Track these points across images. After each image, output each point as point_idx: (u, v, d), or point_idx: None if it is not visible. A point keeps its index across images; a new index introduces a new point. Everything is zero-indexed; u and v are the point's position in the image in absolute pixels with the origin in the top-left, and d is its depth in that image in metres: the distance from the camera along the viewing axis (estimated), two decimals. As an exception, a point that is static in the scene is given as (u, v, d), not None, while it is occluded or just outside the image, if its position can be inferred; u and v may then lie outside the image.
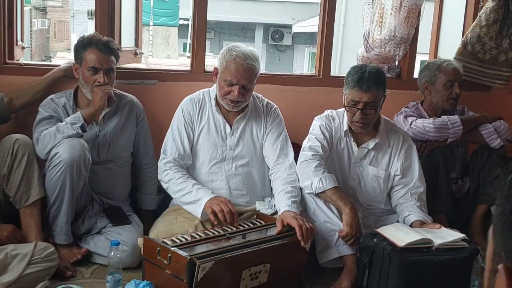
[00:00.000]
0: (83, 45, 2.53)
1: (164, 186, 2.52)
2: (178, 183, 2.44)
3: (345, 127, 2.59)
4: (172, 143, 2.54)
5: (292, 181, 2.45)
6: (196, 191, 2.39)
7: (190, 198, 2.39)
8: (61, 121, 2.51)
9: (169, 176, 2.47)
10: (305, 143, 2.58)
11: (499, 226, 0.70)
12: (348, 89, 2.48)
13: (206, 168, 2.54)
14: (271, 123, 2.60)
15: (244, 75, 2.39)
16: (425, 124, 2.87)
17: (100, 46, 2.50)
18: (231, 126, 2.55)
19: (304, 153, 2.53)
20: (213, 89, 2.57)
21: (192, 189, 2.40)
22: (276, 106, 2.68)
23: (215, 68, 2.50)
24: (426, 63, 3.15)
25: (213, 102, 2.55)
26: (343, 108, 2.61)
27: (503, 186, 0.71)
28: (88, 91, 2.52)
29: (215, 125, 2.55)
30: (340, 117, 2.63)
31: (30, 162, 2.33)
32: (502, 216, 0.70)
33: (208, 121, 2.55)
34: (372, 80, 2.43)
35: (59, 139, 2.36)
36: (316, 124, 2.62)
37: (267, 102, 2.66)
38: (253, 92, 2.59)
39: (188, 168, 2.58)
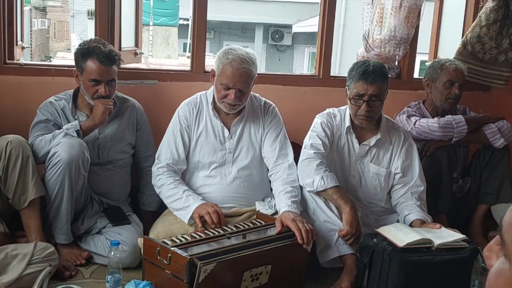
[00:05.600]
0: (83, 55, 2.48)
1: (157, 191, 2.51)
2: (169, 189, 2.44)
3: (347, 124, 2.59)
4: (167, 148, 2.53)
5: (292, 181, 2.45)
6: (186, 198, 2.38)
7: (180, 205, 2.39)
8: (58, 125, 2.52)
9: (161, 181, 2.47)
10: (306, 141, 2.58)
11: None
12: (352, 83, 2.48)
13: (206, 172, 2.54)
14: (269, 123, 2.59)
15: (240, 79, 2.38)
16: (430, 124, 2.87)
17: (102, 58, 2.45)
18: (229, 130, 2.54)
19: (306, 151, 2.53)
20: (210, 92, 2.57)
21: (182, 196, 2.39)
22: (274, 105, 2.67)
23: (212, 70, 2.49)
24: (432, 61, 3.14)
25: (211, 106, 2.54)
26: (345, 106, 2.61)
27: None
28: (90, 98, 2.52)
29: (213, 130, 2.54)
30: (342, 114, 2.63)
31: (25, 163, 2.31)
32: None
33: (206, 125, 2.54)
34: (377, 73, 2.45)
35: (53, 146, 2.38)
36: (318, 121, 2.63)
37: (265, 102, 2.65)
38: (251, 92, 2.59)
39: (187, 172, 2.57)
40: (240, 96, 2.42)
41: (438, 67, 2.98)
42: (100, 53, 2.46)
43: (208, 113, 2.55)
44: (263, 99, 2.67)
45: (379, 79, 2.45)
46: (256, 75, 2.48)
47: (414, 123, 2.89)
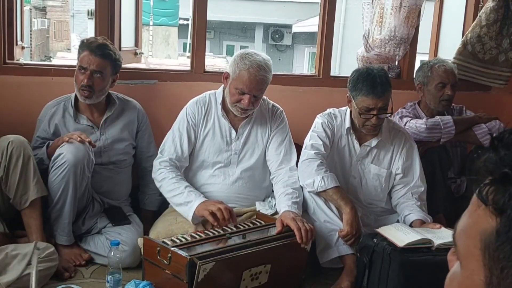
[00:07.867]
0: (81, 47, 2.55)
1: (157, 184, 2.49)
2: (171, 183, 2.42)
3: (347, 125, 2.58)
4: (171, 143, 2.52)
5: (293, 183, 2.45)
6: (188, 193, 2.37)
7: (181, 200, 2.37)
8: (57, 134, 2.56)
9: (162, 175, 2.46)
10: (307, 141, 2.58)
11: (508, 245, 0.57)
12: (360, 96, 2.45)
13: (209, 171, 2.53)
14: (276, 127, 2.59)
15: (257, 86, 2.38)
16: (418, 125, 2.86)
17: (93, 47, 2.50)
18: (236, 131, 2.54)
19: (306, 152, 2.53)
20: (220, 92, 2.56)
21: (184, 191, 2.38)
22: (281, 109, 2.66)
23: (226, 73, 2.46)
24: (421, 63, 3.14)
25: (219, 106, 2.53)
26: (346, 107, 2.62)
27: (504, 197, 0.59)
28: (77, 89, 2.54)
29: (220, 130, 2.53)
30: (342, 115, 2.63)
31: (26, 163, 2.31)
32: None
33: (213, 125, 2.53)
34: (384, 84, 2.44)
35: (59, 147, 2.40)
36: (318, 121, 2.62)
37: (273, 105, 2.65)
38: None
39: (190, 170, 2.57)
40: (253, 101, 2.41)
41: (428, 70, 2.96)
42: (94, 42, 2.53)
43: (217, 113, 2.54)
44: (271, 102, 2.66)
45: (387, 90, 2.45)
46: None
47: (405, 124, 2.89)
